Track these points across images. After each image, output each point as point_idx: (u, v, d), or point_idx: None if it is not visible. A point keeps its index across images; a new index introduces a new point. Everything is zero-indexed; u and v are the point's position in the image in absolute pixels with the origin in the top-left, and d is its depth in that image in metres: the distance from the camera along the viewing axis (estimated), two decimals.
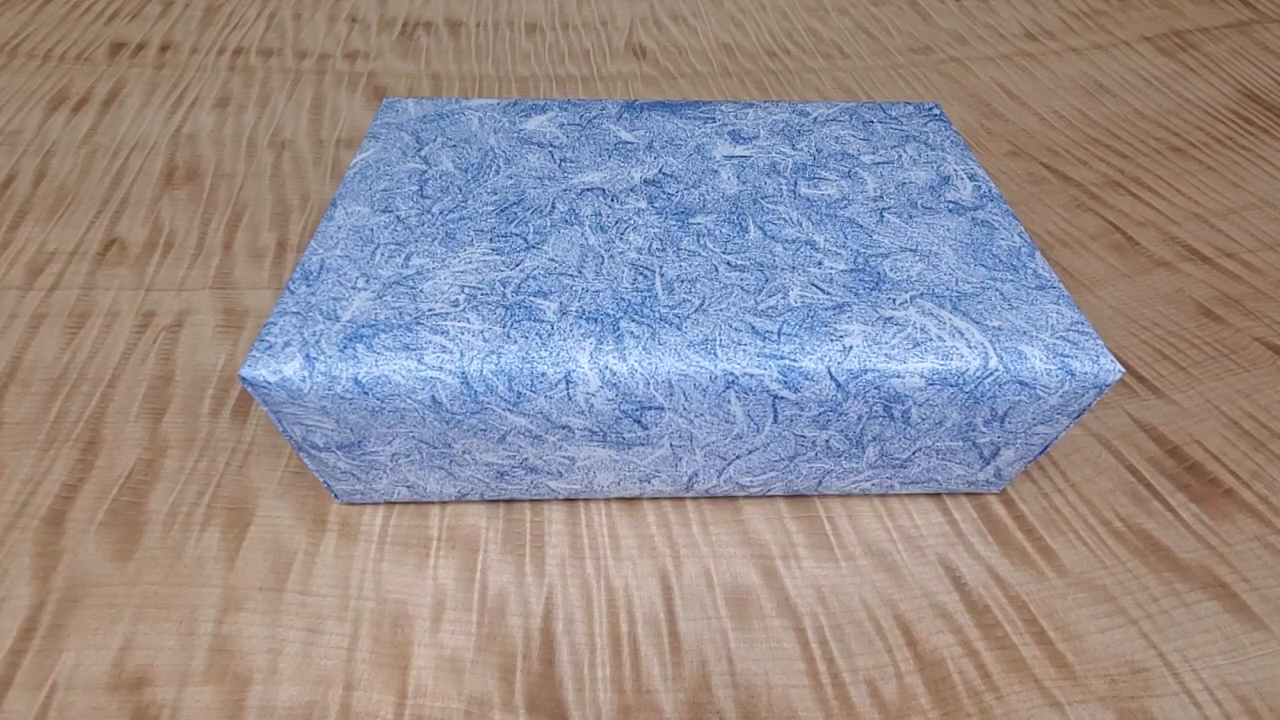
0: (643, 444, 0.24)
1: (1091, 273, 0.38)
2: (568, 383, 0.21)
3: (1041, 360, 0.22)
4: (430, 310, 0.22)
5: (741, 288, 0.23)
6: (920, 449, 0.25)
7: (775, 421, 0.23)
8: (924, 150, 0.30)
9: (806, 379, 0.22)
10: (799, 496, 0.28)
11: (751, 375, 0.21)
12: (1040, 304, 0.24)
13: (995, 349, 0.22)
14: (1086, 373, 0.22)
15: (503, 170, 0.28)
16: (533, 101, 0.32)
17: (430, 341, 0.21)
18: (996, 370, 0.22)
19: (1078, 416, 0.24)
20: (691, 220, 0.26)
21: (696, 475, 0.25)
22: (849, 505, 0.27)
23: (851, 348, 0.22)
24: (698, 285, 0.23)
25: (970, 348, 0.22)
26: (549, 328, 0.22)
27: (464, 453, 0.24)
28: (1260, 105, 0.51)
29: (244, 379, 0.21)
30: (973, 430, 0.24)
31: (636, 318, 0.22)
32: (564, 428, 0.23)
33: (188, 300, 0.34)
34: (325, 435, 0.23)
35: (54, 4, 0.57)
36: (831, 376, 0.22)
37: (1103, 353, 0.22)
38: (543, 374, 0.21)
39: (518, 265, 0.24)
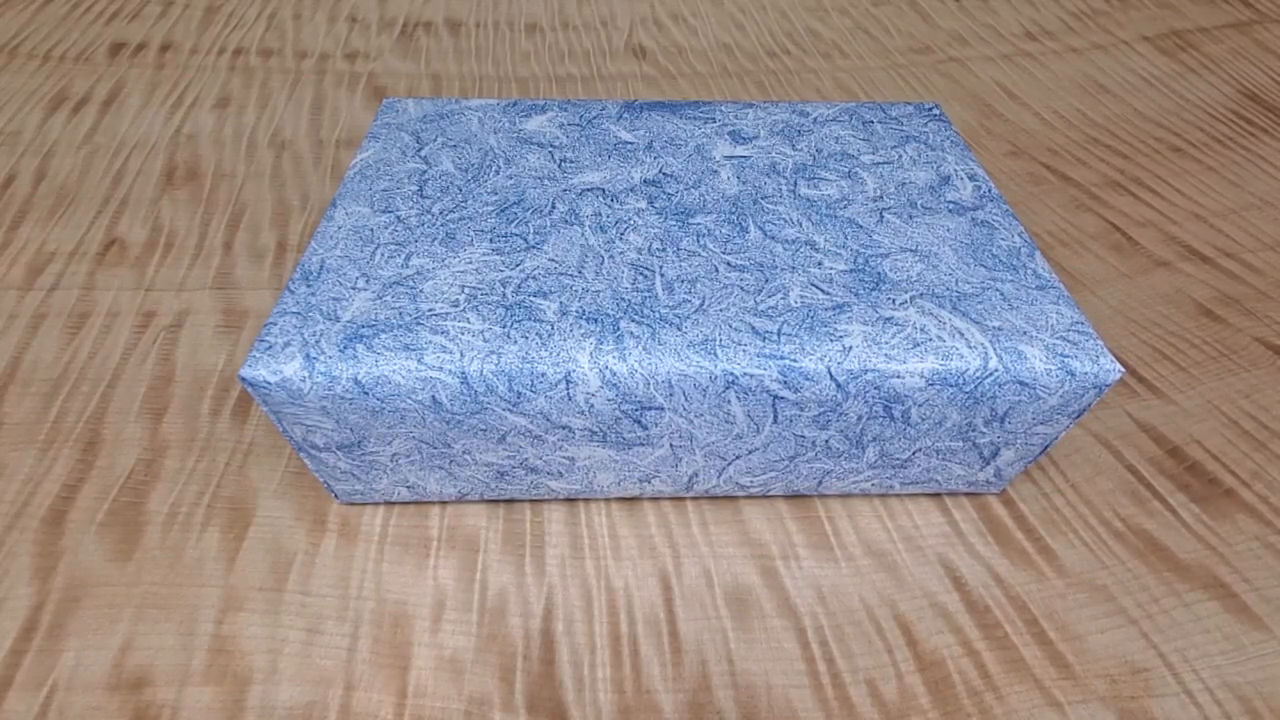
0: (643, 444, 0.24)
1: (1091, 273, 0.38)
2: (568, 383, 0.21)
3: (1041, 360, 0.22)
4: (430, 310, 0.22)
5: (741, 288, 0.23)
6: (920, 449, 0.25)
7: (775, 422, 0.23)
8: (924, 150, 0.30)
9: (806, 379, 0.22)
10: (799, 496, 0.28)
11: (751, 375, 0.21)
12: (1040, 304, 0.24)
13: (995, 349, 0.22)
14: (1086, 373, 0.22)
15: (503, 170, 0.28)
16: (533, 101, 0.32)
17: (430, 341, 0.21)
18: (996, 370, 0.22)
19: (1078, 416, 0.24)
20: (691, 220, 0.26)
21: (696, 475, 0.25)
22: (849, 505, 0.27)
23: (851, 348, 0.22)
24: (698, 285, 0.23)
25: (970, 348, 0.22)
26: (549, 328, 0.22)
27: (464, 453, 0.24)
28: (1260, 105, 0.51)
29: (244, 379, 0.21)
30: (973, 430, 0.24)
31: (636, 318, 0.22)
32: (564, 428, 0.23)
33: (188, 300, 0.34)
34: (325, 435, 0.23)
35: (54, 4, 0.57)
36: (831, 377, 0.22)
37: (1103, 353, 0.22)
38: (543, 374, 0.21)
39: (518, 265, 0.24)
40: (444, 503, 0.27)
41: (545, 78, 0.50)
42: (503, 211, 0.26)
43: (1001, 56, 0.55)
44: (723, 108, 0.32)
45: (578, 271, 0.24)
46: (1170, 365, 0.33)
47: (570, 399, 0.22)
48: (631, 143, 0.29)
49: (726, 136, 0.30)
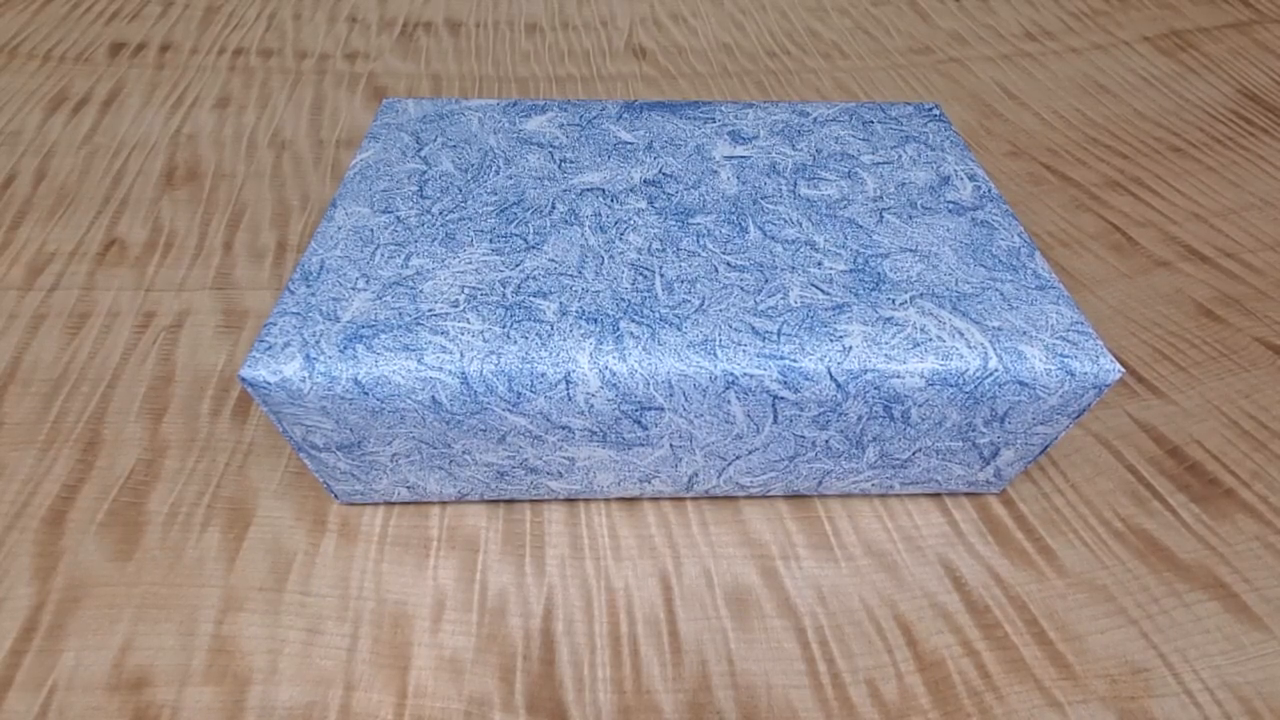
0: (643, 444, 0.24)
1: (1091, 273, 0.38)
2: (568, 383, 0.21)
3: (1041, 360, 0.22)
4: (430, 310, 0.22)
5: (741, 288, 0.23)
6: (920, 449, 0.25)
7: (775, 422, 0.23)
8: (924, 150, 0.30)
9: (806, 379, 0.22)
10: (799, 496, 0.28)
11: (751, 375, 0.21)
12: (1040, 304, 0.24)
13: (995, 349, 0.22)
14: (1086, 373, 0.22)
15: (503, 170, 0.28)
16: (532, 102, 0.32)
17: (430, 342, 0.21)
18: (996, 370, 0.22)
19: (1078, 416, 0.24)
20: (691, 220, 0.26)
21: (696, 475, 0.25)
22: (849, 505, 0.27)
23: (851, 348, 0.22)
24: (698, 285, 0.23)
25: (970, 348, 0.22)
26: (549, 328, 0.22)
27: (464, 453, 0.24)
28: (1260, 105, 0.51)
29: (244, 379, 0.21)
30: (973, 430, 0.24)
31: (636, 318, 0.22)
32: (564, 428, 0.23)
33: (188, 300, 0.34)
34: (325, 435, 0.23)
35: (54, 4, 0.57)
36: (831, 377, 0.22)
37: (1102, 353, 0.22)
38: (542, 374, 0.21)
39: (518, 265, 0.24)
40: (444, 503, 0.27)
41: (545, 78, 0.50)
42: (503, 212, 0.26)
43: (1001, 56, 0.55)
44: (723, 108, 0.32)
45: (577, 272, 0.24)
46: (1170, 365, 0.33)
47: (570, 399, 0.22)
48: (631, 143, 0.29)
49: (726, 136, 0.30)
